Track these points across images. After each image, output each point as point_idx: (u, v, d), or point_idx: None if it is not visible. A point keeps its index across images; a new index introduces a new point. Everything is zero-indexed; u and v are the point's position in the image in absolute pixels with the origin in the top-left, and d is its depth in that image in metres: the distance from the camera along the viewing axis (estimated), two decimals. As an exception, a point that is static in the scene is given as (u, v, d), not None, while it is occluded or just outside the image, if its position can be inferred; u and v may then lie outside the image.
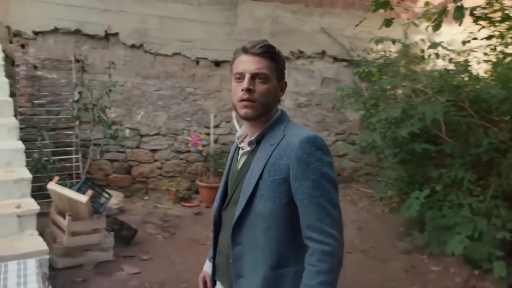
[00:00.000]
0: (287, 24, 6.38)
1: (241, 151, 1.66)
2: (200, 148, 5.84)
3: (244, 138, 1.68)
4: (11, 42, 5.21)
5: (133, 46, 5.67)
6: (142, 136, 5.88)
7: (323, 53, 6.64)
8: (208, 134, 5.99)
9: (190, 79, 6.03)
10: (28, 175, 3.65)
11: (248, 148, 1.61)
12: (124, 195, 5.68)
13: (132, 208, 5.46)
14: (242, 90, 1.50)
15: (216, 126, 6.16)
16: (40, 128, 5.19)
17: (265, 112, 1.55)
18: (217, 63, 6.14)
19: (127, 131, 5.74)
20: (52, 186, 3.66)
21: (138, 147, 5.88)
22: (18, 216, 3.37)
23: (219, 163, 5.96)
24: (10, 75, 5.10)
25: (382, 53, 6.10)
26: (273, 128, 1.57)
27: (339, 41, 6.62)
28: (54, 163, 4.26)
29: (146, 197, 5.88)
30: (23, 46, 5.25)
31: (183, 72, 5.98)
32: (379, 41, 4.65)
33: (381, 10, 3.92)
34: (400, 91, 5.26)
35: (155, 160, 5.99)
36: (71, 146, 5.30)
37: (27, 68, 5.27)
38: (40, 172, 4.14)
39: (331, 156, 1.50)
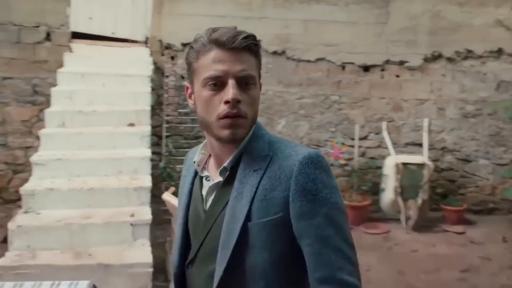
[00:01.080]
0: (452, 19, 5.38)
1: (206, 183, 1.19)
2: (342, 162, 5.29)
3: (205, 163, 1.22)
4: (162, 55, 5.50)
5: (275, 53, 5.46)
6: (282, 146, 5.61)
7: (500, 51, 5.41)
8: (353, 146, 5.41)
9: (335, 86, 5.54)
10: (147, 184, 3.68)
11: (220, 179, 1.14)
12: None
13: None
14: (227, 102, 1.05)
15: (363, 138, 5.54)
16: (185, 136, 5.36)
17: (251, 129, 1.14)
18: (366, 68, 5.52)
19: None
20: (166, 196, 3.61)
21: (278, 158, 5.62)
22: (132, 224, 3.39)
23: (365, 180, 5.33)
24: (160, 85, 5.41)
25: None
26: (252, 147, 1.12)
27: (522, 36, 5.34)
28: (179, 172, 4.25)
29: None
30: (172, 58, 5.49)
31: (327, 78, 5.53)
32: None
33: None
34: None
35: (296, 173, 5.65)
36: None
37: (175, 79, 5.49)
38: (165, 181, 4.18)
39: (334, 177, 1.11)
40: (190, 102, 1.16)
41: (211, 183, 1.17)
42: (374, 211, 5.31)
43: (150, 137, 5.28)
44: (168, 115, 5.39)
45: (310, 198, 1.04)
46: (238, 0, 5.38)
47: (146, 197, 3.63)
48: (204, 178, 1.19)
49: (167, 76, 5.45)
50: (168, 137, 5.35)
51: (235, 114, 1.06)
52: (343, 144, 5.38)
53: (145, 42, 5.44)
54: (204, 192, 1.18)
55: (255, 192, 1.06)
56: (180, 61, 5.48)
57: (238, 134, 1.08)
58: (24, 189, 3.51)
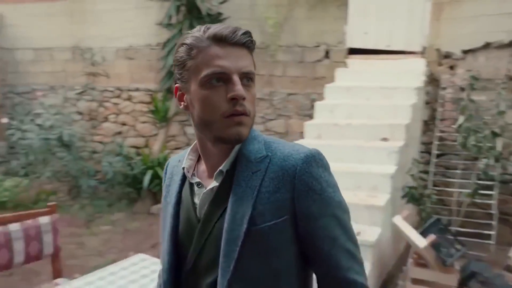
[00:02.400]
0: None
1: (197, 190, 1.10)
2: None
3: (194, 169, 1.13)
4: (440, 65, 5.00)
5: None
6: None
7: None
8: None
9: None
10: (381, 203, 3.41)
11: (214, 184, 1.05)
12: None
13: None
14: (234, 99, 0.98)
15: None
16: (461, 156, 4.71)
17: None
18: None
19: None
20: (396, 221, 3.25)
21: None
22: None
23: None
24: (435, 98, 4.95)
25: None
26: (247, 149, 1.05)
27: None
28: (429, 196, 3.71)
29: None
30: (451, 67, 4.92)
31: None
32: None
33: None
34: None
35: None
36: (491, 180, 4.46)
37: (453, 91, 4.90)
38: (412, 202, 3.74)
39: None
40: (182, 103, 1.06)
41: (203, 189, 1.08)
42: None
43: (419, 154, 4.91)
44: (442, 131, 4.85)
45: (316, 198, 0.99)
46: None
47: (378, 216, 3.38)
48: (195, 185, 1.10)
49: (444, 88, 4.92)
50: (440, 156, 4.82)
51: (241, 112, 0.99)
52: None
53: (422, 52, 5.07)
54: (196, 199, 1.09)
55: (257, 195, 1.00)
56: (460, 71, 4.85)
57: (244, 134, 1.01)
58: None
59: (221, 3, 5.65)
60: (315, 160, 1.01)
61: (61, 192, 5.89)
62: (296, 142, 4.32)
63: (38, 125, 5.32)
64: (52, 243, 2.44)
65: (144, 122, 6.33)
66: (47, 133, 5.21)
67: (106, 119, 6.54)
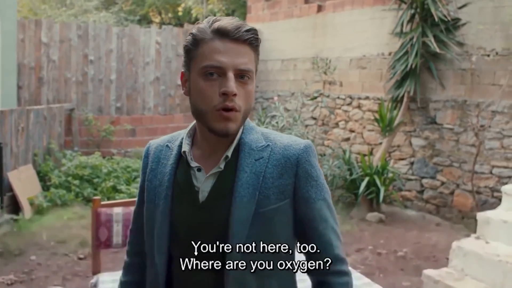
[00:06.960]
0: None
1: (199, 174, 1.13)
2: None
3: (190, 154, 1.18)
4: None
5: None
6: None
7: None
8: None
9: None
10: None
11: (220, 168, 1.12)
12: None
13: None
14: (224, 94, 1.05)
15: None
16: None
17: (243, 123, 1.14)
18: None
19: None
20: None
21: None
22: None
23: None
24: None
25: None
26: (248, 139, 1.15)
27: None
28: None
29: None
30: None
31: None
32: None
33: None
34: None
35: None
36: None
37: None
38: None
39: None
40: (185, 89, 1.14)
41: (203, 173, 1.12)
42: None
43: None
44: None
45: (313, 184, 1.14)
46: None
47: None
48: (195, 169, 1.13)
49: None
50: None
51: (231, 107, 1.06)
52: None
53: None
54: (198, 183, 1.13)
55: (262, 181, 1.10)
56: None
57: (231, 128, 1.08)
58: (480, 214, 3.46)
59: (460, 8, 5.27)
60: (312, 151, 1.15)
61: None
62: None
63: (273, 125, 6.01)
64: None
65: (371, 130, 6.41)
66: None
67: (336, 125, 6.90)
